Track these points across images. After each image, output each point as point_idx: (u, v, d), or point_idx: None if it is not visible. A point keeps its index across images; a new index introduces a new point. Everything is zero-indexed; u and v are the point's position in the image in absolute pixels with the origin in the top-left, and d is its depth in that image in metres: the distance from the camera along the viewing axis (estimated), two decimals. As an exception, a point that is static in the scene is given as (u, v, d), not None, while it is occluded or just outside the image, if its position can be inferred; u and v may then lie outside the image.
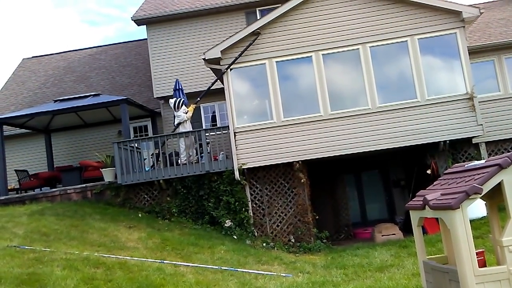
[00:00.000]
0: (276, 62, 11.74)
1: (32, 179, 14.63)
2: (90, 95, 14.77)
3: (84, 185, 12.72)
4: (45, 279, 6.50)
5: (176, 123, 12.62)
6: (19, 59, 28.82)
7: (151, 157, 13.13)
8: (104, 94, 15.87)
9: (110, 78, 19.26)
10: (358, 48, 11.60)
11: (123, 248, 8.73)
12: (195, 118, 13.10)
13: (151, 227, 10.65)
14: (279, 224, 11.58)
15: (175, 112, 12.61)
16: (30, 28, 51.99)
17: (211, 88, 12.79)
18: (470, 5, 11.37)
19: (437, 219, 4.90)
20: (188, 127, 12.50)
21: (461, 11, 11.19)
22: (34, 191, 14.09)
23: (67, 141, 17.00)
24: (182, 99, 12.76)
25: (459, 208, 4.09)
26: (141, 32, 61.83)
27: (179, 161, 12.21)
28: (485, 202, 5.04)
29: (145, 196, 12.28)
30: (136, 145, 12.69)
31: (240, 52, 11.62)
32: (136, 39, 21.63)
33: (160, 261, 8.11)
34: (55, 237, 8.90)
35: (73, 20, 56.19)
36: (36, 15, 53.67)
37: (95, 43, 54.99)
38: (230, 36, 11.88)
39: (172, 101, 12.76)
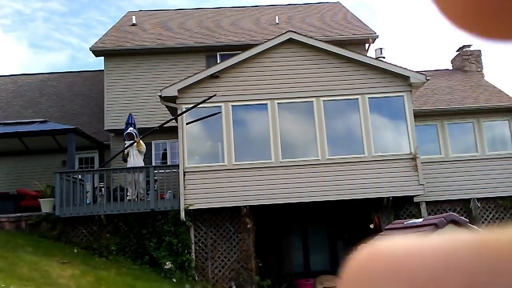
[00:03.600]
0: (232, 106, 11.89)
1: (-38, 203, 13.70)
2: (37, 121, 14.28)
3: (19, 214, 12.04)
4: (-37, 313, 5.99)
5: (123, 155, 12.36)
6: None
7: (95, 190, 12.68)
8: (52, 121, 15.37)
9: (60, 105, 18.74)
10: (312, 101, 11.97)
11: (54, 285, 8.23)
12: (146, 154, 12.90)
13: (87, 264, 10.14)
14: (221, 269, 11.34)
15: (126, 143, 12.34)
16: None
17: (165, 126, 12.71)
18: (418, 72, 12.11)
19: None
20: (139, 162, 12.25)
21: (409, 76, 11.89)
22: (-38, 216, 13.17)
23: (6, 167, 16.16)
24: (129, 131, 12.47)
25: (398, 263, 4.19)
26: (89, 60, 61.29)
27: (125, 196, 11.86)
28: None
29: (83, 231, 11.76)
30: (80, 177, 12.25)
31: (199, 102, 11.41)
32: (87, 68, 21.36)
33: (92, 301, 7.69)
34: (-20, 268, 8.28)
35: (21, 44, 54.81)
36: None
37: (42, 69, 53.73)
38: (189, 76, 11.99)
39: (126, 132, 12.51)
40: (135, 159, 12.22)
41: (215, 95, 11.48)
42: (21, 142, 15.11)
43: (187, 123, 11.70)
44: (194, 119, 11.73)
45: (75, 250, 10.97)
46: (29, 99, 19.33)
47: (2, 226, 11.70)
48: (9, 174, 16.02)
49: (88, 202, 12.14)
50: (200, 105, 11.65)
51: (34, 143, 15.27)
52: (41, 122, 14.26)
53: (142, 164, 12.31)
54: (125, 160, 12.52)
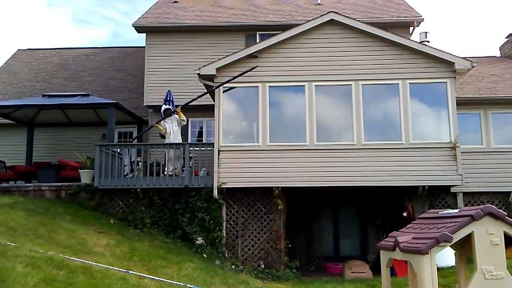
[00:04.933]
0: (269, 86, 11.84)
1: (8, 171, 14.37)
2: (80, 95, 14.69)
3: (59, 184, 12.53)
4: (6, 274, 6.33)
5: (161, 132, 12.60)
6: (11, 52, 28.60)
7: (132, 164, 13.01)
8: (94, 95, 15.78)
9: (102, 80, 19.18)
10: (350, 84, 11.77)
11: (90, 253, 8.56)
12: (182, 131, 13.08)
13: (121, 234, 10.48)
14: (250, 248, 11.49)
15: (165, 121, 12.55)
16: (22, 22, 51.76)
17: (202, 103, 12.82)
18: (463, 58, 11.65)
19: (406, 262, 4.92)
20: (178, 138, 12.45)
21: (454, 62, 11.47)
22: (8, 183, 13.82)
23: (49, 137, 16.78)
24: (167, 107, 12.68)
25: (428, 253, 4.12)
26: (133, 37, 62.18)
27: (162, 172, 12.10)
28: (454, 251, 5.09)
29: (120, 202, 12.14)
30: (118, 150, 12.59)
31: (238, 74, 11.61)
32: (127, 45, 21.65)
33: (125, 270, 7.95)
34: (22, 232, 8.70)
35: (64, 19, 56.09)
36: (29, 11, 53.45)
37: (84, 44, 54.97)
38: (228, 55, 11.99)
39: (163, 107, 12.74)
40: (176, 136, 12.40)
41: (256, 66, 11.53)
42: (64, 114, 15.63)
43: (224, 91, 11.72)
44: (229, 88, 11.75)
45: (111, 221, 11.34)
46: (72, 72, 19.87)
47: (43, 194, 12.22)
48: (52, 144, 16.63)
49: (125, 175, 12.46)
50: (236, 85, 11.67)
51: (76, 116, 15.75)
52: (83, 95, 14.67)
53: (181, 141, 12.50)
54: (163, 137, 12.74)
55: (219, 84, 11.71)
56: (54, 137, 16.83)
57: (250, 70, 11.53)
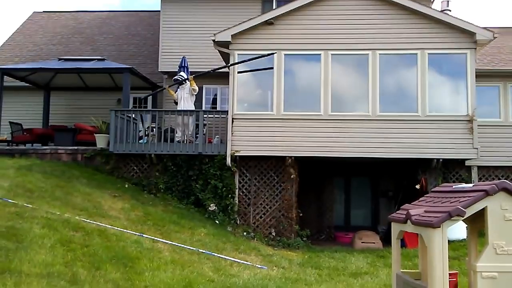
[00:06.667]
0: (285, 54, 11.70)
1: (25, 133, 14.58)
2: (95, 59, 14.68)
3: (75, 147, 12.70)
4: (23, 234, 6.53)
5: (174, 99, 12.64)
6: (26, 14, 28.54)
7: (146, 130, 13.11)
8: (109, 60, 15.77)
9: (117, 44, 19.11)
10: (367, 54, 11.57)
11: (105, 216, 8.75)
12: (196, 99, 13.07)
13: (136, 199, 10.67)
14: (262, 215, 11.62)
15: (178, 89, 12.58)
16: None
17: (216, 71, 12.74)
18: (485, 28, 11.33)
19: (417, 234, 4.93)
20: (190, 105, 12.48)
21: (475, 33, 11.17)
22: (25, 145, 14.07)
23: (65, 101, 16.91)
24: (176, 77, 12.71)
25: (439, 227, 4.11)
26: (145, 1, 61.40)
27: (174, 138, 12.20)
28: (466, 225, 5.08)
29: (135, 167, 12.29)
30: (133, 116, 12.66)
31: (254, 57, 11.30)
32: (141, 8, 21.43)
33: (139, 234, 8.14)
34: (39, 194, 8.91)
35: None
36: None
37: (97, 7, 54.33)
38: (243, 22, 11.82)
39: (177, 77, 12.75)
40: (185, 103, 12.44)
41: (275, 53, 11.36)
42: (79, 78, 15.67)
43: (238, 72, 11.68)
44: (246, 70, 11.66)
45: (126, 185, 11.53)
46: (88, 36, 19.80)
47: (59, 158, 12.42)
48: (68, 108, 16.78)
49: (141, 141, 12.58)
50: (252, 52, 11.53)
51: (92, 80, 15.79)
52: (99, 60, 14.66)
53: (193, 108, 12.52)
54: (175, 103, 12.79)
55: (234, 63, 11.55)
56: (70, 101, 16.96)
57: (267, 55, 11.27)
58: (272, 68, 11.59)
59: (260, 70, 11.58)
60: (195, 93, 12.63)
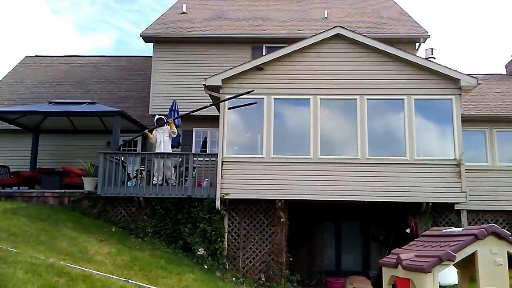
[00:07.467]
0: (275, 98, 11.89)
1: (12, 176, 14.40)
2: (86, 102, 14.74)
3: (63, 190, 12.54)
4: (6, 280, 6.31)
5: (158, 140, 12.63)
6: (19, 58, 28.84)
7: (136, 173, 13.02)
8: (100, 103, 15.85)
9: (108, 88, 19.29)
10: (356, 99, 11.79)
11: (90, 261, 8.53)
12: (186, 141, 13.12)
13: (123, 243, 10.45)
14: (252, 260, 11.43)
15: (157, 131, 12.64)
16: (27, 29, 52.13)
17: (207, 114, 12.87)
18: (469, 75, 11.66)
19: (409, 279, 4.87)
20: (168, 147, 12.50)
21: (460, 79, 11.48)
22: (11, 188, 13.84)
23: (54, 144, 16.83)
24: (160, 117, 12.81)
25: (430, 272, 4.08)
26: (137, 46, 62.55)
27: (151, 181, 12.06)
28: (457, 270, 5.04)
29: (122, 211, 12.12)
30: (122, 159, 12.60)
31: (239, 94, 11.70)
32: (132, 53, 21.83)
33: (125, 279, 7.91)
34: (23, 238, 8.69)
35: (68, 26, 56.45)
36: (34, 18, 53.83)
37: (89, 52, 55.30)
38: (233, 67, 12.05)
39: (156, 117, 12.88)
40: (165, 146, 12.47)
41: (252, 90, 11.60)
42: (69, 121, 15.68)
43: (228, 108, 11.83)
44: (233, 106, 11.83)
45: (113, 229, 11.32)
46: (79, 80, 19.98)
47: (46, 201, 12.23)
48: (56, 151, 16.67)
49: (129, 184, 12.46)
50: (242, 96, 11.70)
51: (82, 123, 15.80)
52: (89, 103, 14.72)
53: (170, 150, 12.54)
54: (155, 147, 12.81)
55: (219, 101, 11.79)
56: (59, 144, 16.88)
57: (248, 93, 11.59)
58: (255, 103, 11.74)
59: (246, 106, 11.73)
60: (174, 136, 12.74)
